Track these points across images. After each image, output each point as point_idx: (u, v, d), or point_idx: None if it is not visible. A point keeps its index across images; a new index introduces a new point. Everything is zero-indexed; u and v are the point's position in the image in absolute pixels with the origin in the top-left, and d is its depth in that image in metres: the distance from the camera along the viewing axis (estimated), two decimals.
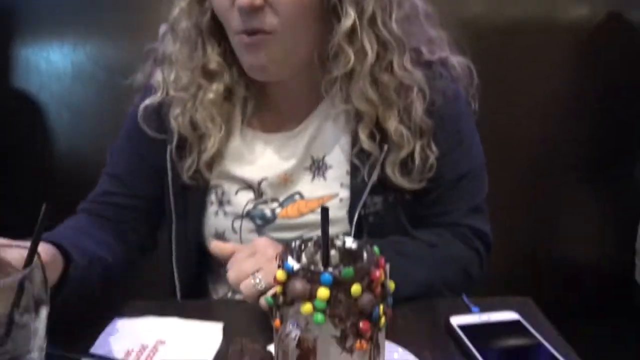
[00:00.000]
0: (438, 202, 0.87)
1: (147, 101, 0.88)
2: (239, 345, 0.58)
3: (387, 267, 0.53)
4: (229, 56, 0.84)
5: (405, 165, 0.83)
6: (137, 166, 0.92)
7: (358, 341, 0.50)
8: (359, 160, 0.84)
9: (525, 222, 1.78)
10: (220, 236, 0.90)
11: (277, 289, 0.51)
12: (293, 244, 0.55)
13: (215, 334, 0.71)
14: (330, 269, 0.49)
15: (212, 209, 0.90)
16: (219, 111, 0.85)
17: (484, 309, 0.75)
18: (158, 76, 0.88)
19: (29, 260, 0.47)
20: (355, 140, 0.84)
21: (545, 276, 1.74)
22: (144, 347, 0.69)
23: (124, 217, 0.92)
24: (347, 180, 0.85)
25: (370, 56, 0.78)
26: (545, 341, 0.67)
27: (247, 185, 0.89)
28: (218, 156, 0.88)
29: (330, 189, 0.86)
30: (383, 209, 0.85)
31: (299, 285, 0.49)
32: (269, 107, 0.89)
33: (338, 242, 0.56)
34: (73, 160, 1.78)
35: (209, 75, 0.84)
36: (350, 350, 0.50)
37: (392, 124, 0.81)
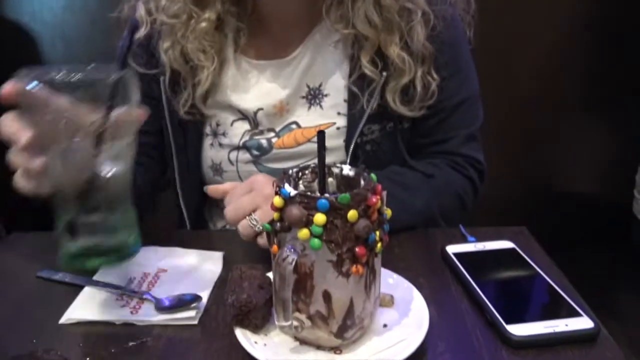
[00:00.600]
0: (436, 129, 0.87)
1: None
2: (239, 271, 0.59)
3: (384, 194, 0.53)
4: None
5: (406, 93, 0.82)
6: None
7: (354, 266, 0.50)
8: (357, 87, 0.83)
9: (523, 153, 1.77)
10: (217, 168, 0.90)
11: (274, 214, 0.52)
12: (290, 171, 0.55)
13: (215, 263, 0.72)
14: (326, 195, 0.49)
15: (207, 140, 0.89)
16: (211, 42, 0.83)
17: (480, 238, 0.76)
18: (140, 9, 0.84)
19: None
20: (354, 67, 0.83)
21: (542, 207, 1.75)
22: (146, 275, 0.70)
23: (138, 157, 0.90)
24: (344, 108, 0.85)
25: None
26: (539, 269, 0.68)
27: (243, 115, 0.88)
28: (213, 88, 0.86)
29: (327, 118, 0.85)
30: (380, 136, 0.85)
31: (295, 211, 0.49)
32: (263, 34, 0.87)
33: (335, 170, 0.56)
34: None
35: (201, 3, 0.82)
36: (347, 275, 0.51)
37: (394, 50, 0.79)
